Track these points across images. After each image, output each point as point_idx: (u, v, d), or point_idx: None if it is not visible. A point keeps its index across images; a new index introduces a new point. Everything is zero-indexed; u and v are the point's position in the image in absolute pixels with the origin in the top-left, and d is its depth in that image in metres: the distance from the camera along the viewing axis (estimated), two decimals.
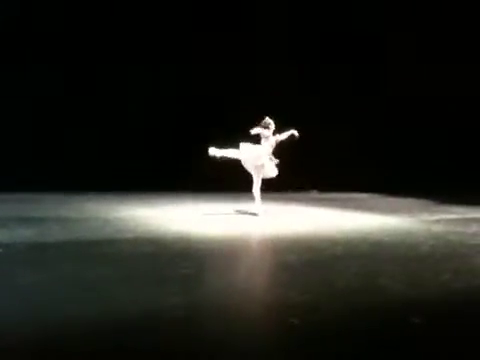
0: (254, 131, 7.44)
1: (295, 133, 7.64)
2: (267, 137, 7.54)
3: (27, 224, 6.54)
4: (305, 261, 5.01)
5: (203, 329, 3.04)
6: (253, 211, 7.78)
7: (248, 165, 7.59)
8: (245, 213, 8.36)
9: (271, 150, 7.63)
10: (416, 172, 13.24)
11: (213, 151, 7.51)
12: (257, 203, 7.69)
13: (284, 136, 7.64)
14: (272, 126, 7.63)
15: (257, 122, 7.61)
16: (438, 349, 2.82)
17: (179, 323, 3.09)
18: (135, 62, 11.93)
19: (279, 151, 7.79)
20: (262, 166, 7.54)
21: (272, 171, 7.63)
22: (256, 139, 7.63)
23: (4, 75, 10.86)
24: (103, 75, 11.55)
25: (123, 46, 11.93)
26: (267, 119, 7.65)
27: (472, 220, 8.24)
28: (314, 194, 12.51)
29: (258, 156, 7.50)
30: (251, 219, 7.67)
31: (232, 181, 11.42)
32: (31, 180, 10.04)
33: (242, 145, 7.52)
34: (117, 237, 5.88)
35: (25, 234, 5.83)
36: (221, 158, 7.52)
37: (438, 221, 8.01)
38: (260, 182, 7.63)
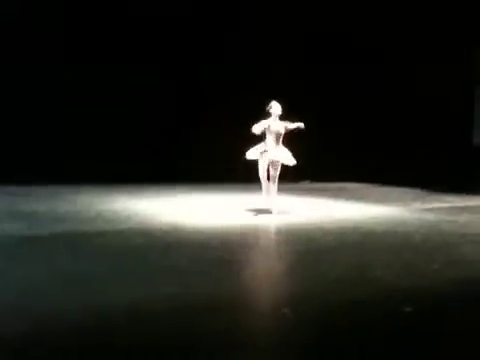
0: (255, 129, 6.82)
1: (301, 126, 6.91)
2: (268, 127, 6.86)
3: (17, 217, 6.48)
4: (297, 251, 5.01)
5: (196, 321, 3.03)
6: (267, 207, 7.10)
7: (262, 163, 6.93)
8: (238, 204, 8.34)
9: (277, 141, 6.89)
10: (408, 161, 13.29)
11: (250, 155, 6.94)
12: (273, 200, 6.98)
13: (292, 126, 6.93)
14: (275, 110, 6.90)
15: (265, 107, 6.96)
16: (431, 339, 2.84)
17: (172, 315, 3.09)
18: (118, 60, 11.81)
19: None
20: (276, 162, 6.86)
21: (287, 158, 6.88)
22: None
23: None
24: (98, 71, 11.46)
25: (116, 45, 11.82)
26: (271, 103, 6.95)
27: (463, 209, 8.30)
28: (306, 184, 12.53)
29: (263, 150, 6.85)
30: (243, 210, 7.65)
31: (227, 172, 11.47)
32: (21, 173, 9.95)
33: (249, 152, 6.93)
34: (109, 229, 5.85)
35: (15, 227, 5.78)
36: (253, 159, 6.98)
37: (430, 210, 8.06)
38: (278, 171, 6.87)
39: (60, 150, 11.14)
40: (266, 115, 6.98)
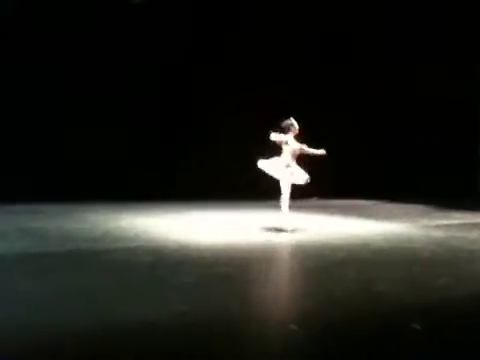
0: (274, 137, 6.56)
1: (324, 153, 6.78)
2: (286, 142, 6.66)
3: (27, 235, 6.52)
4: (307, 268, 4.99)
5: (204, 337, 3.01)
6: (280, 226, 6.93)
7: (279, 174, 6.77)
8: (247, 221, 8.33)
9: (292, 158, 6.74)
10: (416, 178, 13.23)
11: (262, 165, 6.79)
12: (285, 218, 6.84)
13: (311, 151, 6.79)
14: (294, 129, 6.72)
15: (278, 123, 6.73)
16: (438, 355, 2.80)
17: (179, 332, 3.08)
18: (129, 68, 11.88)
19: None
20: (291, 173, 6.71)
21: (302, 177, 6.74)
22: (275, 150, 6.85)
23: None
24: (101, 79, 11.52)
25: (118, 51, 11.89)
26: (288, 121, 6.73)
27: (472, 225, 8.23)
28: (314, 201, 12.50)
29: (279, 169, 6.70)
30: (252, 227, 7.63)
31: (233, 189, 11.46)
32: (30, 191, 10.02)
33: (261, 162, 6.77)
34: (117, 246, 5.86)
35: (24, 245, 5.81)
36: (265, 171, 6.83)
37: (438, 227, 8.00)
38: (289, 192, 6.74)
39: (67, 168, 11.18)
40: (283, 130, 6.73)
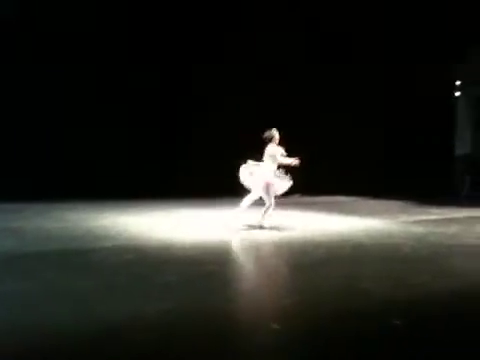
0: (269, 149, 7.00)
1: (296, 163, 7.08)
2: (274, 156, 7.04)
3: (7, 234, 6.43)
4: (288, 265, 5.04)
5: (186, 336, 3.03)
6: (260, 223, 7.18)
7: (256, 190, 7.09)
8: (229, 219, 8.35)
9: (275, 166, 7.08)
10: (395, 174, 13.43)
11: (243, 174, 7.08)
12: (266, 214, 7.15)
13: (285, 161, 7.08)
14: (276, 138, 7.12)
15: (261, 134, 7.11)
16: (420, 350, 2.87)
17: (163, 330, 3.09)
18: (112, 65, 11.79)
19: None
20: (270, 185, 7.03)
21: (282, 187, 7.12)
22: (260, 155, 7.13)
23: None
24: (95, 77, 11.44)
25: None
26: (271, 132, 7.12)
27: (451, 220, 8.41)
28: (296, 198, 12.59)
29: (262, 176, 7.00)
30: (234, 224, 7.66)
31: (216, 187, 11.46)
32: (10, 190, 9.88)
33: (242, 168, 7.07)
34: (99, 245, 5.82)
35: (5, 244, 5.73)
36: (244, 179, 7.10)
37: (418, 222, 8.15)
38: (273, 202, 7.06)
39: (48, 167, 11.06)
40: (265, 140, 7.10)
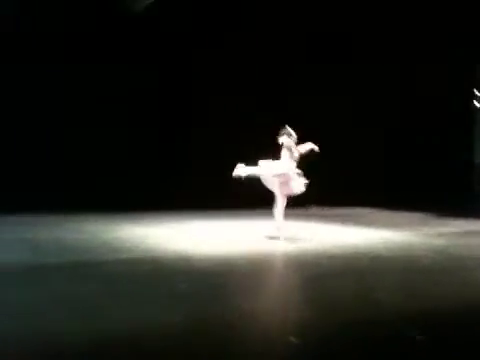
0: (281, 139, 6.74)
1: (315, 148, 6.86)
2: (289, 148, 6.78)
3: (22, 246, 6.47)
4: (305, 277, 4.95)
5: (201, 348, 2.98)
6: (273, 234, 6.99)
7: (269, 183, 6.81)
8: (243, 230, 8.29)
9: (294, 164, 6.83)
10: (415, 186, 13.21)
11: (238, 171, 6.83)
12: (278, 226, 6.90)
13: (303, 149, 6.84)
14: (293, 136, 6.90)
15: (276, 133, 6.87)
16: None
17: (175, 342, 3.04)
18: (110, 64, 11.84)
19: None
20: (285, 183, 6.73)
21: (297, 187, 6.78)
22: (277, 154, 6.89)
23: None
24: (101, 79, 11.49)
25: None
26: (287, 128, 6.90)
27: (472, 233, 8.21)
28: (313, 209, 12.46)
29: (279, 171, 6.72)
30: (251, 237, 7.59)
31: (232, 198, 11.39)
32: (26, 202, 9.95)
33: (261, 162, 6.78)
34: (115, 257, 5.81)
35: (20, 256, 5.76)
36: (246, 177, 6.82)
37: (439, 235, 7.97)
38: (285, 202, 6.81)
39: (64, 178, 11.09)
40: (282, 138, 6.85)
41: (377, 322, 3.44)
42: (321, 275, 4.90)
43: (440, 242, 7.08)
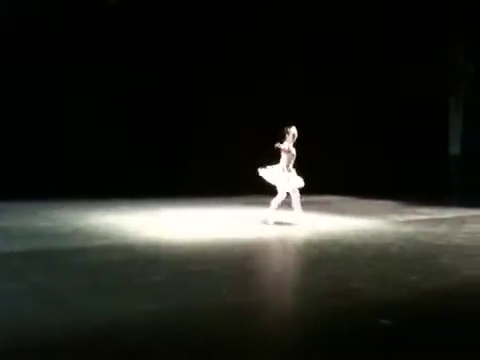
0: (281, 146, 7.17)
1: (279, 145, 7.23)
2: (288, 150, 7.26)
3: None
4: (279, 265, 5.01)
5: (173, 335, 2.99)
6: (264, 218, 7.49)
7: (276, 181, 7.34)
8: (219, 218, 8.31)
9: (290, 161, 7.29)
10: (386, 174, 13.45)
11: (262, 173, 7.32)
12: (271, 212, 7.43)
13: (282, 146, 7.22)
14: (294, 136, 7.30)
15: (280, 131, 7.29)
16: (409, 350, 2.86)
17: (149, 330, 3.04)
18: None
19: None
20: (287, 180, 7.27)
21: (297, 182, 7.33)
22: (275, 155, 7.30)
23: None
24: (101, 79, 11.38)
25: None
26: (288, 128, 7.33)
27: (440, 221, 8.44)
28: (288, 197, 12.56)
29: (277, 176, 7.27)
30: (224, 224, 7.63)
31: (206, 186, 11.41)
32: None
33: (261, 171, 7.31)
34: (87, 245, 5.75)
35: None
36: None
37: (408, 222, 8.17)
38: (284, 195, 7.36)
39: (36, 164, 10.94)
40: (283, 137, 7.24)
41: (350, 310, 3.51)
42: (298, 263, 4.97)
43: (409, 230, 7.26)
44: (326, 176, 12.78)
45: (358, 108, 13.73)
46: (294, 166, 7.38)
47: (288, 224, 7.59)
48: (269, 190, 7.61)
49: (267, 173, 7.34)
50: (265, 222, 7.38)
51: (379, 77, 13.39)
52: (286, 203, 7.63)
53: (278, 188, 7.39)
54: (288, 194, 7.42)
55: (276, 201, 7.41)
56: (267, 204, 7.47)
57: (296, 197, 7.38)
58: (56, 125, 11.13)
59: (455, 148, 13.81)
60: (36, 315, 3.27)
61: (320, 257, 5.27)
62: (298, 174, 7.43)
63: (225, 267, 4.75)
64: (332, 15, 13.06)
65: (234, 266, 4.82)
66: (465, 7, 12.20)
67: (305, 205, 10.68)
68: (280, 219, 7.90)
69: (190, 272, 4.46)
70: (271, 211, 7.44)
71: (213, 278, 4.32)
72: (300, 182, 7.39)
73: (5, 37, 10.62)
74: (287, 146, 7.23)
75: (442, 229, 7.39)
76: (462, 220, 8.58)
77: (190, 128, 12.61)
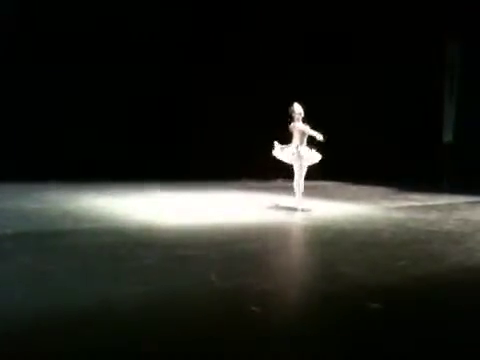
0: (298, 125, 7.19)
1: (321, 138, 7.17)
2: (294, 126, 7.24)
3: None
4: (270, 249, 5.02)
5: (162, 319, 3.00)
6: (292, 205, 7.46)
7: (290, 160, 7.35)
8: (212, 202, 8.30)
9: (303, 139, 7.26)
10: (378, 159, 13.47)
11: (276, 151, 7.35)
12: (297, 197, 7.35)
13: (311, 133, 7.23)
14: (296, 113, 7.28)
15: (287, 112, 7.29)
16: (398, 334, 2.88)
17: (139, 314, 3.05)
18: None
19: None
20: (301, 157, 7.24)
21: (313, 157, 7.33)
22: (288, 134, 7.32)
23: None
24: (101, 79, 11.33)
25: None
26: (293, 107, 7.30)
27: (431, 207, 8.49)
28: (279, 183, 12.59)
29: (291, 152, 7.26)
30: (217, 208, 7.63)
31: (200, 169, 11.41)
32: None
33: (275, 149, 7.32)
34: (77, 228, 5.73)
35: None
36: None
37: (399, 208, 8.21)
38: (304, 173, 7.31)
39: (26, 146, 10.89)
40: (291, 117, 7.26)
41: (340, 294, 3.53)
42: (287, 247, 4.99)
43: (400, 216, 7.30)
44: (320, 161, 12.80)
45: (358, 108, 13.73)
46: (308, 141, 7.36)
47: (283, 208, 7.61)
48: (269, 190, 7.58)
49: (281, 153, 7.30)
50: (297, 209, 7.26)
51: (379, 77, 13.37)
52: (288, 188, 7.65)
53: (294, 167, 7.33)
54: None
55: (297, 184, 7.30)
56: (260, 189, 7.44)
57: (300, 177, 7.30)
58: (56, 125, 11.09)
59: (448, 135, 13.85)
60: (26, 297, 3.25)
61: (311, 242, 5.29)
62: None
63: (216, 251, 4.75)
64: (332, 15, 13.01)
65: (225, 250, 4.82)
66: (465, 7, 12.14)
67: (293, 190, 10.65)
68: (276, 203, 7.94)
69: (181, 256, 4.46)
70: (298, 197, 7.35)
71: (203, 262, 4.32)
72: (316, 157, 7.32)
73: (5, 37, 10.59)
74: (302, 126, 7.20)
75: (433, 215, 7.44)
76: (454, 207, 8.65)
77: (190, 128, 12.61)
